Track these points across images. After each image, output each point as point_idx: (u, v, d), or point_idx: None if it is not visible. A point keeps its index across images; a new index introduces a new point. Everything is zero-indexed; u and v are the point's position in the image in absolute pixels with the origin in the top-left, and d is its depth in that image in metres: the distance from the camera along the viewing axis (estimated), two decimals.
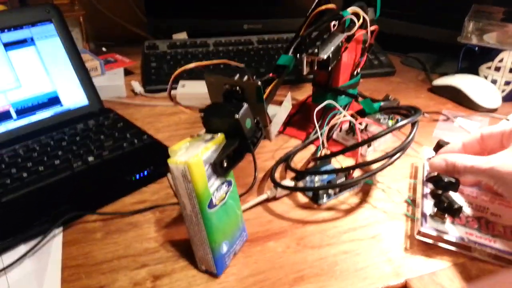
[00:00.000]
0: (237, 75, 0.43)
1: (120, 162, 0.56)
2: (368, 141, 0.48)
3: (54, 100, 0.64)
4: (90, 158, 0.55)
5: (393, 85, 0.85)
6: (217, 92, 0.43)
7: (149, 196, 0.52)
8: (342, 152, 0.50)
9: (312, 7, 0.58)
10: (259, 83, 0.42)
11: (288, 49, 0.54)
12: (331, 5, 0.55)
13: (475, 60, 0.80)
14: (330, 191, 0.51)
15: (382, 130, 0.59)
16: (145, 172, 0.53)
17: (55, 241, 0.44)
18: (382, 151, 0.61)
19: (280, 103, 0.49)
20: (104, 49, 1.01)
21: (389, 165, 0.47)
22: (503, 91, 0.76)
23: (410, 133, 0.49)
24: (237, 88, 0.42)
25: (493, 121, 0.68)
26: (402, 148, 0.47)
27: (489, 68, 0.76)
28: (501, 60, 0.74)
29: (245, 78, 0.43)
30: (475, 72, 0.79)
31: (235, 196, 0.42)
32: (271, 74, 0.50)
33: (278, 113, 0.48)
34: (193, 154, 0.36)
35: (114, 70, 0.83)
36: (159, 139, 0.62)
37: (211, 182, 0.37)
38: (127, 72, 0.87)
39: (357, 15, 0.59)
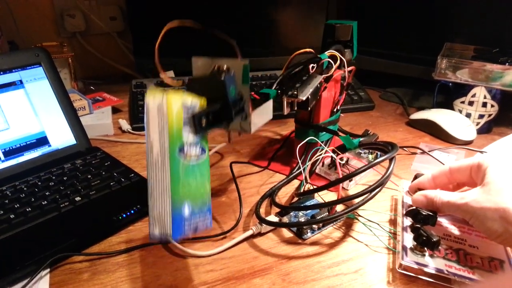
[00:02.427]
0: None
1: (107, 202, 0.56)
2: (349, 177, 0.50)
3: (42, 141, 0.65)
4: (77, 198, 0.56)
5: (373, 119, 0.88)
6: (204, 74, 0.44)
7: (136, 234, 0.52)
8: (324, 188, 0.52)
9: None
10: (247, 61, 0.43)
11: (271, 85, 0.57)
12: (308, 49, 0.58)
13: (449, 95, 0.84)
14: (314, 226, 0.52)
15: (362, 164, 0.61)
16: (132, 211, 0.54)
17: (42, 283, 0.44)
18: (363, 185, 0.63)
19: None
20: (92, 87, 1.03)
21: (369, 199, 0.49)
22: (477, 124, 0.79)
23: (388, 168, 0.51)
24: (225, 68, 0.42)
25: (469, 154, 0.71)
26: (381, 183, 0.49)
27: (463, 102, 0.80)
28: (474, 95, 0.78)
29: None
30: (450, 106, 0.83)
31: (206, 168, 0.40)
32: (253, 93, 0.51)
33: (258, 111, 0.48)
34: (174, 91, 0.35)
35: (102, 108, 0.85)
36: (146, 176, 0.63)
37: (185, 129, 0.36)
38: (115, 110, 0.89)
39: (334, 57, 0.62)
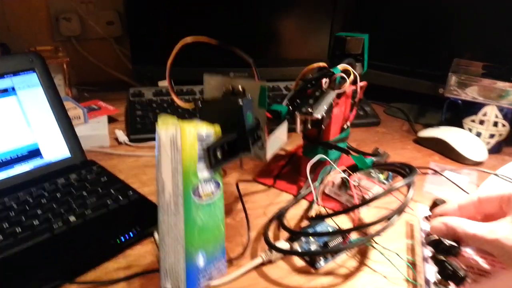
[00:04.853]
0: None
1: (104, 222, 0.52)
2: (367, 203, 0.47)
3: (34, 153, 0.61)
4: (72, 218, 0.51)
5: (379, 135, 0.86)
6: (216, 95, 0.41)
7: (135, 260, 0.48)
8: (340, 213, 0.49)
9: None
10: (265, 83, 0.39)
11: (281, 101, 0.54)
12: (322, 64, 0.55)
13: (458, 112, 0.81)
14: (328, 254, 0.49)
15: (373, 184, 0.59)
16: (131, 234, 0.50)
17: None
18: (375, 207, 0.59)
19: None
20: (86, 94, 0.98)
21: (387, 228, 0.46)
22: (487, 143, 0.77)
23: (407, 194, 0.48)
24: (240, 88, 0.39)
25: (481, 175, 0.69)
26: (400, 210, 0.46)
27: (473, 121, 0.77)
28: (485, 114, 0.76)
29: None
30: (458, 123, 0.81)
31: (221, 205, 0.37)
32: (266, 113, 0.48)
33: (273, 137, 0.45)
34: (188, 122, 0.32)
35: (98, 118, 0.80)
36: (144, 193, 0.59)
37: (200, 165, 0.33)
38: (111, 120, 0.85)
39: (346, 71, 0.59)
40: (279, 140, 0.47)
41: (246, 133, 0.37)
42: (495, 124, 0.75)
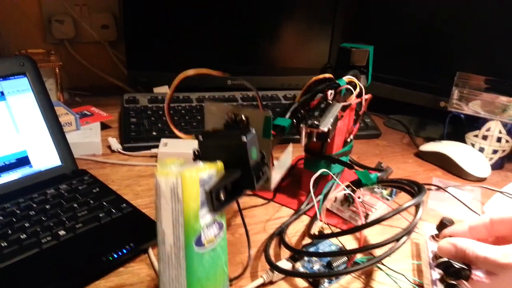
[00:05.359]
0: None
1: (96, 237, 0.49)
2: (376, 223, 0.45)
3: (23, 161, 0.58)
4: (61, 232, 0.48)
5: (380, 148, 0.84)
6: (217, 123, 0.39)
7: (129, 278, 0.45)
8: (345, 233, 0.47)
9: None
10: (270, 113, 0.37)
11: (284, 113, 0.51)
12: (328, 75, 0.54)
13: (460, 126, 0.80)
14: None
15: (376, 200, 0.57)
16: (124, 250, 0.47)
17: None
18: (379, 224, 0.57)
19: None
20: (78, 99, 0.95)
21: (395, 250, 0.44)
22: (490, 159, 0.76)
23: (416, 215, 0.46)
24: (242, 117, 0.37)
25: (485, 192, 0.67)
26: (408, 232, 0.44)
27: (476, 136, 0.76)
28: (488, 129, 0.74)
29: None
30: (460, 137, 0.79)
31: (224, 246, 0.35)
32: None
33: (278, 164, 0.43)
34: (189, 168, 0.30)
35: (90, 124, 0.78)
36: (138, 205, 0.56)
37: (203, 212, 0.31)
38: (103, 126, 0.82)
39: (352, 83, 0.57)
40: (283, 166, 0.45)
41: (250, 172, 0.34)
42: (499, 139, 0.74)
